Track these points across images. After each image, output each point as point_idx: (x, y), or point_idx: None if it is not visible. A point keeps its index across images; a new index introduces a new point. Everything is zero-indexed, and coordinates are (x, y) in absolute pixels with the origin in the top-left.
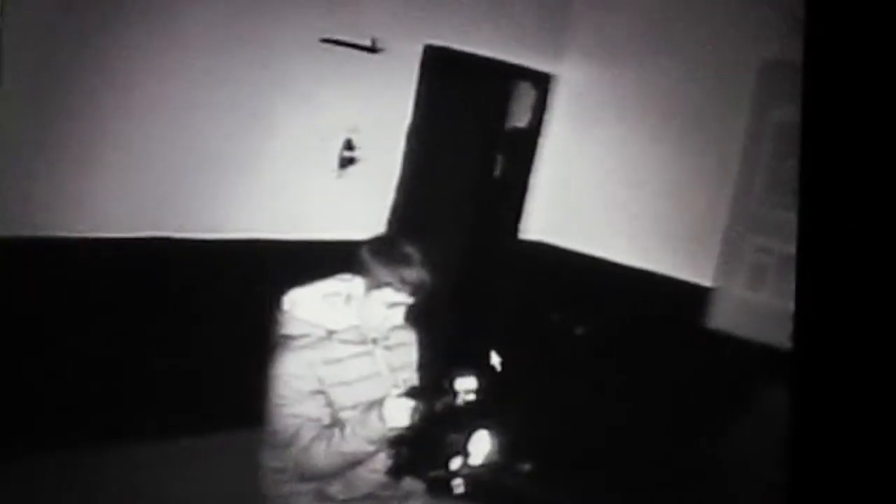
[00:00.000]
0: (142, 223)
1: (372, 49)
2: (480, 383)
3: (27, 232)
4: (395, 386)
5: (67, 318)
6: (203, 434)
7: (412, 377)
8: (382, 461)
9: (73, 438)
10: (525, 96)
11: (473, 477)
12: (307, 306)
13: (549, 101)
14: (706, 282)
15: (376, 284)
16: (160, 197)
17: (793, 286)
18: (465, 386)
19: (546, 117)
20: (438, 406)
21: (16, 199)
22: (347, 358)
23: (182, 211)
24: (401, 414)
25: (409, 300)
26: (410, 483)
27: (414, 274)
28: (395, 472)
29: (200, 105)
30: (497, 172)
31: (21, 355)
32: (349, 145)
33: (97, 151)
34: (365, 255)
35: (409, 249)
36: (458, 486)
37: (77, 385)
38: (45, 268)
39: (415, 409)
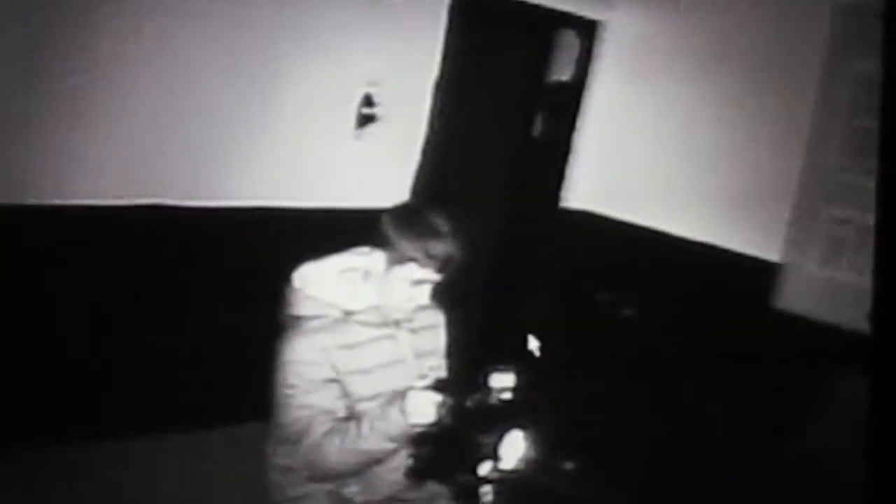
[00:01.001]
0: (137, 189)
1: None
2: (519, 380)
3: (11, 199)
4: (421, 375)
5: (55, 295)
6: (203, 428)
7: (440, 365)
8: (403, 460)
9: (58, 431)
10: (568, 47)
11: (504, 483)
12: (321, 284)
13: (595, 52)
14: (774, 257)
15: (399, 259)
16: (157, 159)
17: (871, 261)
18: (502, 383)
19: (592, 71)
20: (469, 402)
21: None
22: (366, 342)
23: (181, 175)
24: (425, 408)
25: (437, 277)
26: (435, 487)
27: (441, 248)
28: (417, 474)
29: (204, 57)
30: (536, 133)
31: (3, 338)
32: (369, 101)
33: (89, 109)
34: (386, 225)
35: (436, 220)
36: (487, 493)
37: (64, 371)
38: (30, 239)
39: (442, 404)
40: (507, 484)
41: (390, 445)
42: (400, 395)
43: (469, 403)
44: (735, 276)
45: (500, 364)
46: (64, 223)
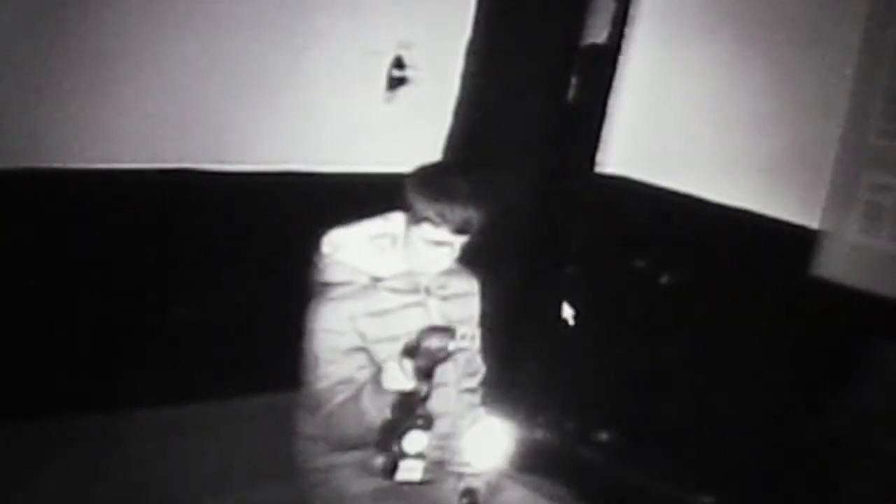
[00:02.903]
0: (160, 153)
1: None
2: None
3: (30, 163)
4: (453, 342)
5: (77, 262)
6: (228, 397)
7: (472, 333)
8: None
9: (81, 399)
10: (603, 8)
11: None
12: (350, 249)
13: (631, 13)
14: (813, 224)
15: (430, 224)
16: (179, 122)
17: None
18: (434, 343)
19: (628, 31)
20: (421, 367)
21: (18, 126)
22: (395, 309)
23: (205, 138)
24: (395, 375)
25: (468, 244)
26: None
27: (474, 214)
28: (377, 444)
29: (231, 20)
30: (570, 96)
31: (23, 304)
32: (399, 63)
33: (109, 70)
34: (416, 190)
35: (456, 181)
36: (413, 469)
37: (88, 339)
38: (49, 204)
39: (418, 370)
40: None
41: (379, 414)
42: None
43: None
44: (773, 242)
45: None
46: (92, 188)
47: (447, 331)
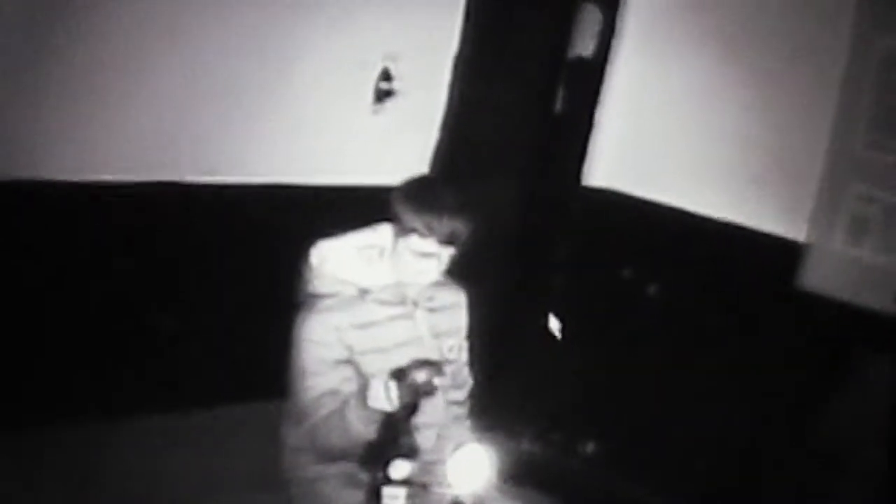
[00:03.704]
0: (148, 165)
1: None
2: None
3: (17, 174)
4: (440, 354)
5: (64, 274)
6: (215, 407)
7: (460, 345)
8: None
9: (72, 410)
10: (590, 21)
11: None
12: (338, 261)
13: (618, 26)
14: (799, 236)
15: (403, 231)
16: (172, 136)
17: None
18: (421, 377)
19: (614, 45)
20: (406, 399)
21: (5, 138)
22: (383, 321)
23: (193, 151)
24: (382, 394)
25: (444, 251)
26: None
27: (461, 225)
28: (362, 461)
29: (219, 32)
30: (557, 109)
31: (13, 314)
32: (387, 75)
33: (97, 82)
34: (403, 201)
35: (443, 193)
36: (394, 498)
37: (77, 350)
38: (37, 216)
39: (403, 390)
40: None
41: (367, 430)
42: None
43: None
44: (759, 254)
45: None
46: (80, 200)
47: (435, 365)
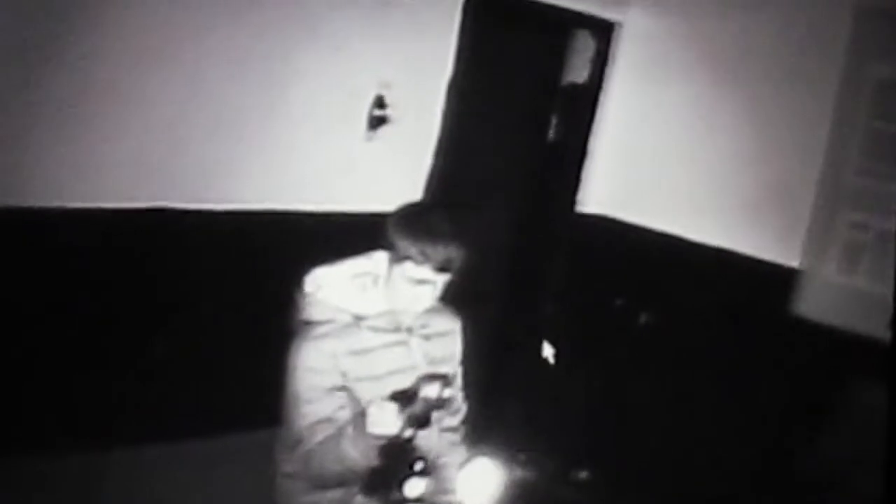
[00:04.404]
0: (141, 192)
1: None
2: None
3: (10, 202)
4: (447, 389)
5: (56, 302)
6: (209, 436)
7: (454, 371)
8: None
9: (64, 438)
10: (583, 48)
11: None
12: (332, 288)
13: (611, 53)
14: (792, 263)
15: (398, 258)
16: (166, 162)
17: (892, 268)
18: (434, 392)
19: (608, 72)
20: (418, 414)
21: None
22: (377, 348)
23: (187, 178)
24: (385, 420)
25: (439, 278)
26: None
27: (456, 252)
28: (365, 488)
29: (213, 59)
30: (551, 136)
31: (10, 344)
32: (380, 103)
33: (96, 111)
34: (392, 227)
35: (437, 220)
36: None
37: (66, 378)
38: (29, 244)
39: (402, 416)
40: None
41: (358, 456)
42: (364, 409)
43: (419, 413)
44: (752, 282)
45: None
46: (71, 227)
47: (442, 378)
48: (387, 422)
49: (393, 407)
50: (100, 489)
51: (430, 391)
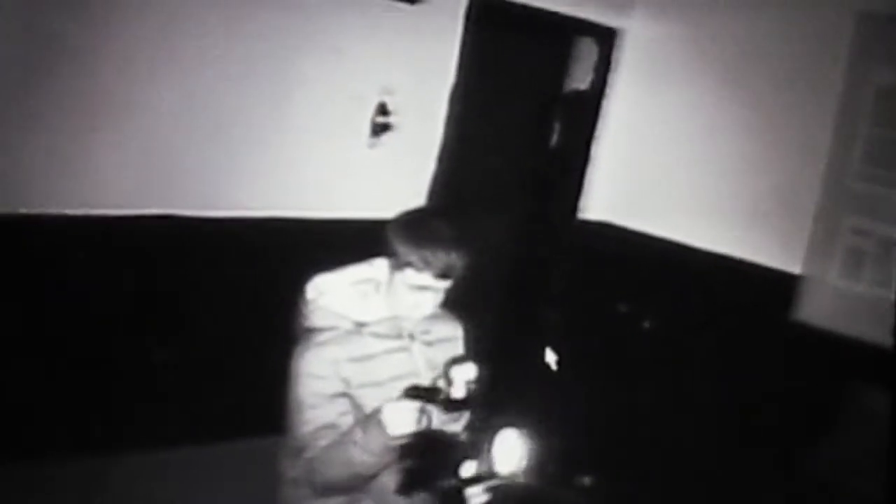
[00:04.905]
0: (144, 199)
1: None
2: (481, 370)
3: (15, 209)
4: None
5: (60, 308)
6: (211, 442)
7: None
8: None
9: (68, 445)
10: (586, 54)
11: (503, 486)
12: (334, 294)
13: (614, 59)
14: (794, 269)
15: (399, 265)
16: (169, 169)
17: (893, 273)
18: (464, 375)
19: (610, 79)
20: (438, 402)
21: (4, 172)
22: (379, 354)
23: (190, 185)
24: (403, 419)
25: (440, 284)
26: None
27: (457, 259)
28: (404, 487)
29: (217, 66)
30: (554, 142)
31: (7, 349)
32: (383, 110)
33: (99, 119)
34: (399, 235)
35: (438, 227)
36: (476, 496)
37: (69, 384)
38: (34, 250)
39: (420, 412)
40: (519, 498)
41: (372, 459)
42: (377, 409)
43: (441, 403)
44: (754, 287)
45: (459, 358)
46: (75, 234)
47: (468, 359)
48: (406, 420)
49: (409, 405)
50: (103, 495)
51: (466, 372)
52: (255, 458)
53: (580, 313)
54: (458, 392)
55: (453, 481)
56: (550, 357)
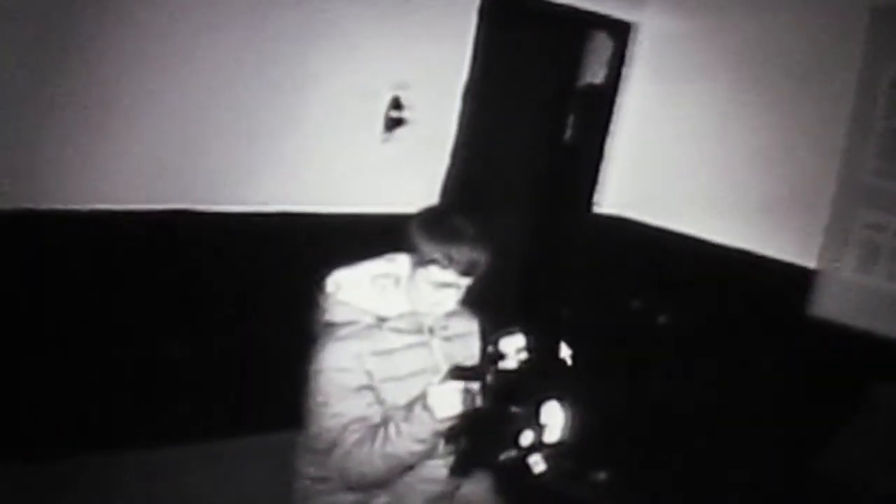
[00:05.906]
0: (160, 194)
1: None
2: (529, 340)
3: (30, 204)
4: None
5: (76, 303)
6: (231, 437)
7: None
8: (434, 467)
9: (81, 441)
10: (600, 48)
11: (554, 455)
12: (354, 289)
13: (628, 53)
14: (810, 263)
15: (422, 262)
16: (184, 164)
17: None
18: (513, 345)
19: (625, 73)
20: (490, 376)
21: (17, 168)
22: (400, 349)
23: (205, 180)
24: (450, 400)
25: (463, 281)
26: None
27: (465, 251)
28: (460, 468)
29: (230, 61)
30: (568, 136)
31: (23, 345)
32: (397, 104)
33: (113, 114)
34: (412, 229)
35: (461, 224)
36: (537, 463)
37: (86, 380)
38: (50, 245)
39: (465, 391)
40: (539, 493)
41: (420, 447)
42: (421, 396)
43: (489, 378)
44: (769, 282)
45: (505, 329)
46: (90, 229)
47: (515, 333)
48: (453, 402)
49: (454, 386)
50: (118, 491)
51: (514, 343)
52: (272, 454)
53: (595, 308)
54: (510, 363)
55: (514, 452)
56: (565, 352)
